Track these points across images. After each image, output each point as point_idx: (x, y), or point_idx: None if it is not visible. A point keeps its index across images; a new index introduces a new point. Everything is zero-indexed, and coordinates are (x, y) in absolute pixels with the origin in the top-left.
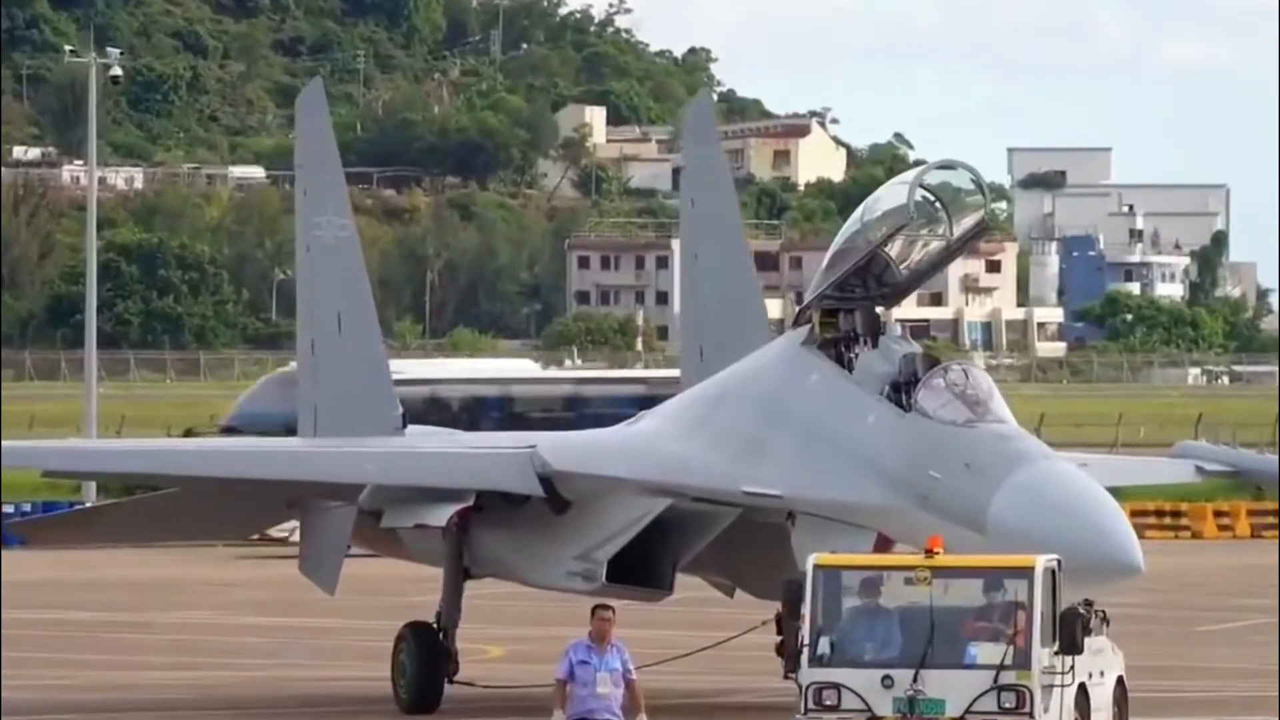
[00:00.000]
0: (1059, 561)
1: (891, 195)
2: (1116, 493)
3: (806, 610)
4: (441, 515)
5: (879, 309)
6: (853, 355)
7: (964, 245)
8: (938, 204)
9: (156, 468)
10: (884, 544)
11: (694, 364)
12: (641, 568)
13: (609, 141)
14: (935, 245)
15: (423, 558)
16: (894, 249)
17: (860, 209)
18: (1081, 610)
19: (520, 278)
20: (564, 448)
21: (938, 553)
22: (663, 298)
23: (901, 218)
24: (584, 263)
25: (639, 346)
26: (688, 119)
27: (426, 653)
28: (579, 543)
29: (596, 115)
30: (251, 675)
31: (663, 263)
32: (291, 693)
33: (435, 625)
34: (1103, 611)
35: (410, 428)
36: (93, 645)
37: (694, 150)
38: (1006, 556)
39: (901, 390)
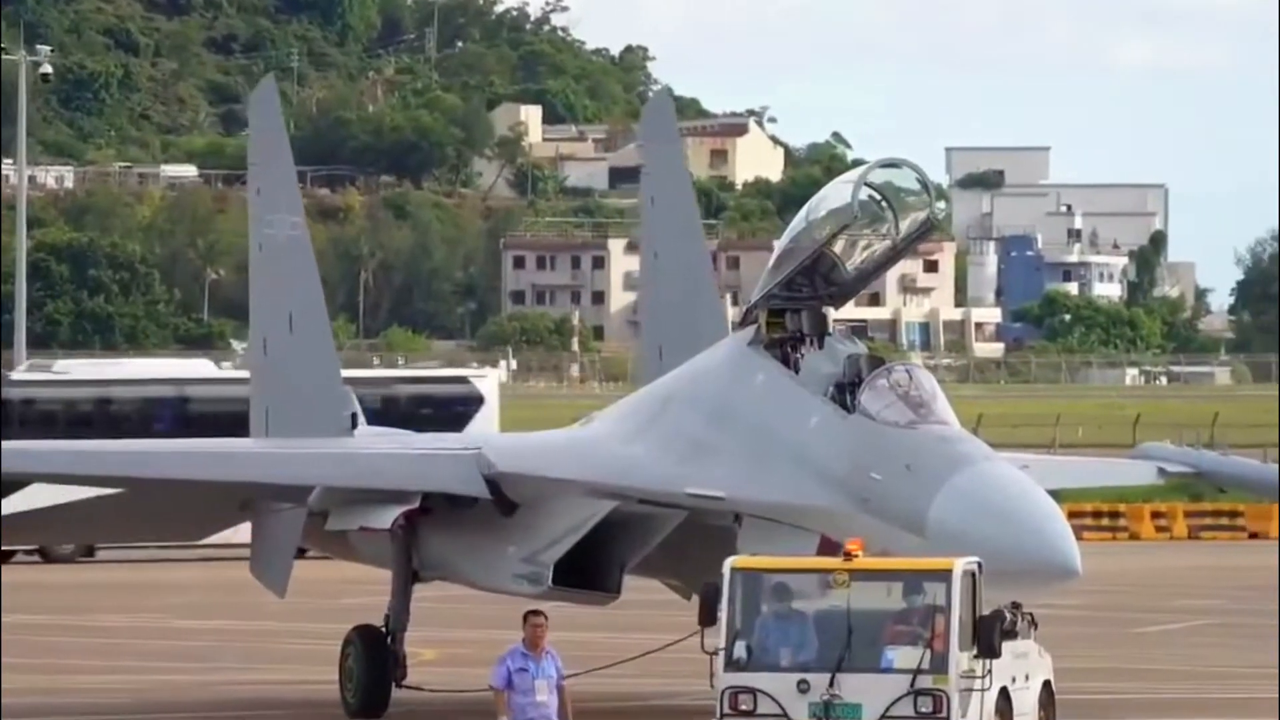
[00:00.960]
0: (979, 564)
1: (836, 194)
2: (1056, 495)
3: (723, 614)
4: (387, 517)
5: (826, 309)
6: (799, 356)
7: (909, 245)
8: (884, 203)
9: (101, 469)
10: (829, 546)
11: (653, 364)
12: (589, 571)
13: (545, 140)
14: (881, 245)
15: (372, 560)
16: (840, 248)
17: (805, 208)
18: (1006, 613)
19: (455, 277)
20: (510, 449)
21: (857, 556)
22: (599, 298)
23: (846, 217)
24: (519, 262)
25: (574, 346)
26: (646, 116)
27: (374, 657)
28: (526, 545)
29: (532, 114)
30: (189, 679)
31: (599, 263)
32: (234, 697)
33: (383, 629)
34: (1030, 614)
35: (361, 428)
36: (22, 649)
37: (653, 148)
38: (925, 559)
39: (846, 391)
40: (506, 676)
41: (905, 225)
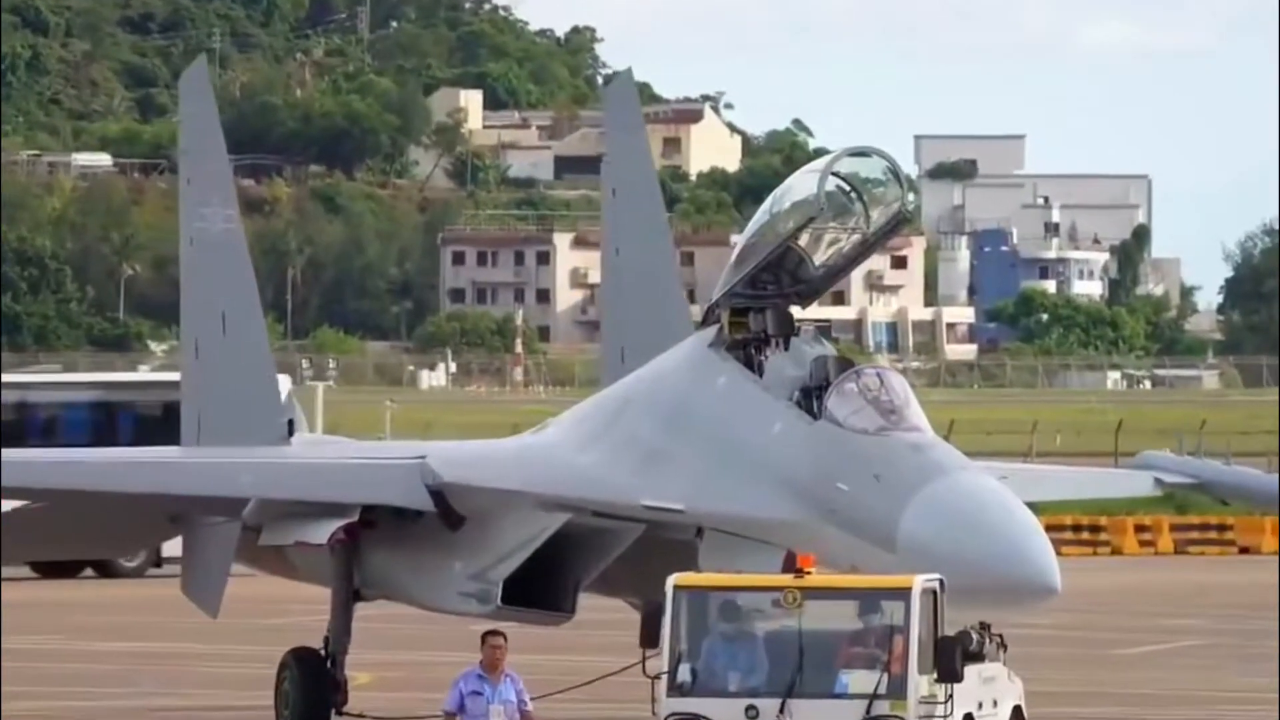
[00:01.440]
0: (941, 581)
1: (802, 185)
2: (1034, 507)
3: (666, 635)
4: (324, 532)
5: (793, 307)
6: (762, 358)
7: (881, 239)
8: (853, 194)
9: (18, 480)
10: (794, 562)
11: (615, 367)
12: (541, 589)
13: (486, 127)
14: (851, 239)
15: (311, 578)
16: (806, 243)
17: (769, 200)
18: (972, 634)
19: (390, 274)
20: (456, 458)
21: (809, 572)
22: (544, 296)
23: (812, 209)
24: (459, 258)
25: (518, 348)
26: (608, 100)
27: (313, 681)
28: (473, 562)
29: (472, 99)
30: (105, 705)
31: (544, 259)
32: None
33: (323, 652)
34: (999, 636)
35: (298, 436)
36: None
37: (616, 135)
38: (882, 577)
39: (812, 396)
40: (459, 700)
41: (876, 218)
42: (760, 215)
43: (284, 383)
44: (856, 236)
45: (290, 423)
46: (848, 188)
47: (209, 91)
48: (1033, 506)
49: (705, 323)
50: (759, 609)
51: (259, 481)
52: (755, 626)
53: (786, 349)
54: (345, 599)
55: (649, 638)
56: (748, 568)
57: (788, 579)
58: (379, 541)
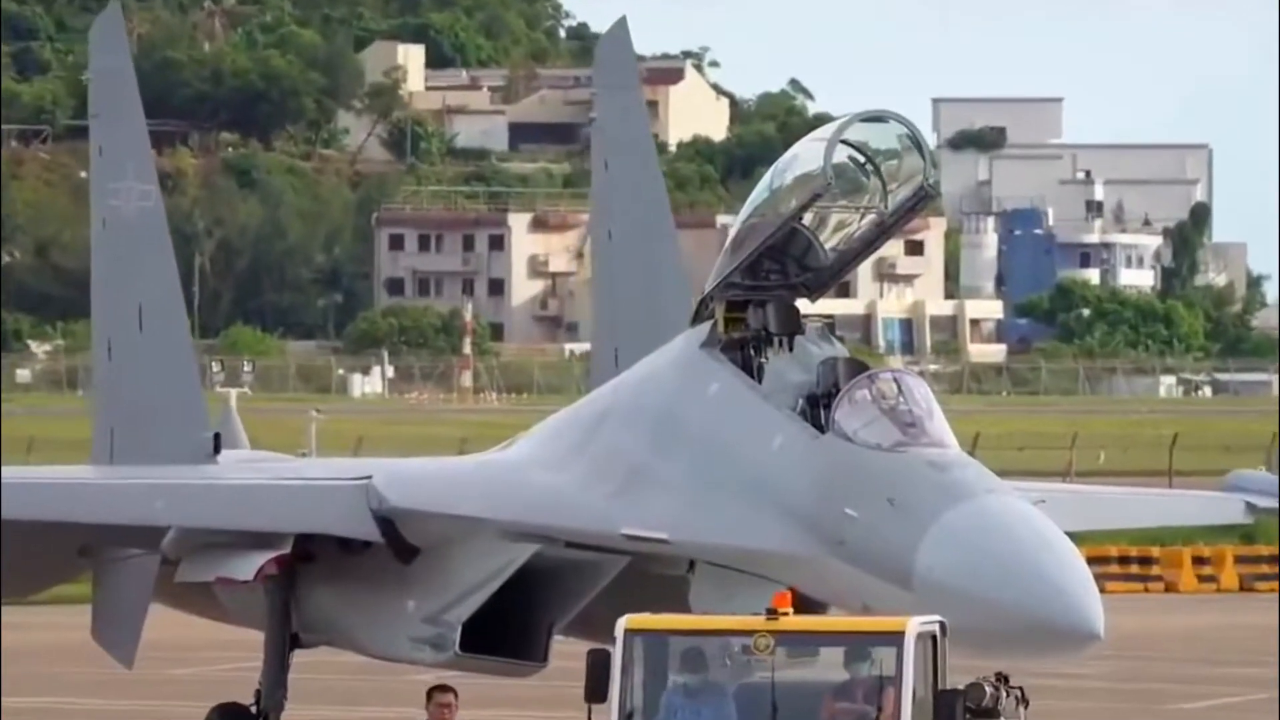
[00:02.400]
0: (942, 624)
1: (808, 155)
2: (1074, 536)
3: (615, 688)
4: (249, 566)
5: (799, 300)
6: (762, 360)
7: (900, 220)
8: (868, 166)
9: None
10: (799, 602)
11: (607, 372)
12: (507, 632)
13: (429, 89)
14: (866, 219)
15: (243, 620)
16: (814, 224)
17: (770, 173)
18: (985, 687)
19: (315, 261)
20: (407, 479)
21: (785, 613)
22: (497, 287)
23: (818, 184)
24: (397, 242)
25: (466, 349)
26: (601, 54)
27: None
28: (428, 601)
29: (412, 55)
30: None
31: (497, 243)
32: None
33: (254, 708)
34: (1019, 689)
35: (227, 453)
36: None
37: (608, 96)
38: (871, 619)
39: (819, 405)
40: None
41: (895, 194)
42: (759, 191)
43: (231, 396)
44: (872, 216)
45: (217, 437)
46: (861, 159)
47: (124, 43)
48: (1073, 536)
49: (697, 319)
50: (726, 656)
51: (174, 506)
52: (722, 677)
53: (791, 349)
54: (281, 645)
55: (594, 691)
56: (745, 606)
57: (759, 621)
58: (319, 577)
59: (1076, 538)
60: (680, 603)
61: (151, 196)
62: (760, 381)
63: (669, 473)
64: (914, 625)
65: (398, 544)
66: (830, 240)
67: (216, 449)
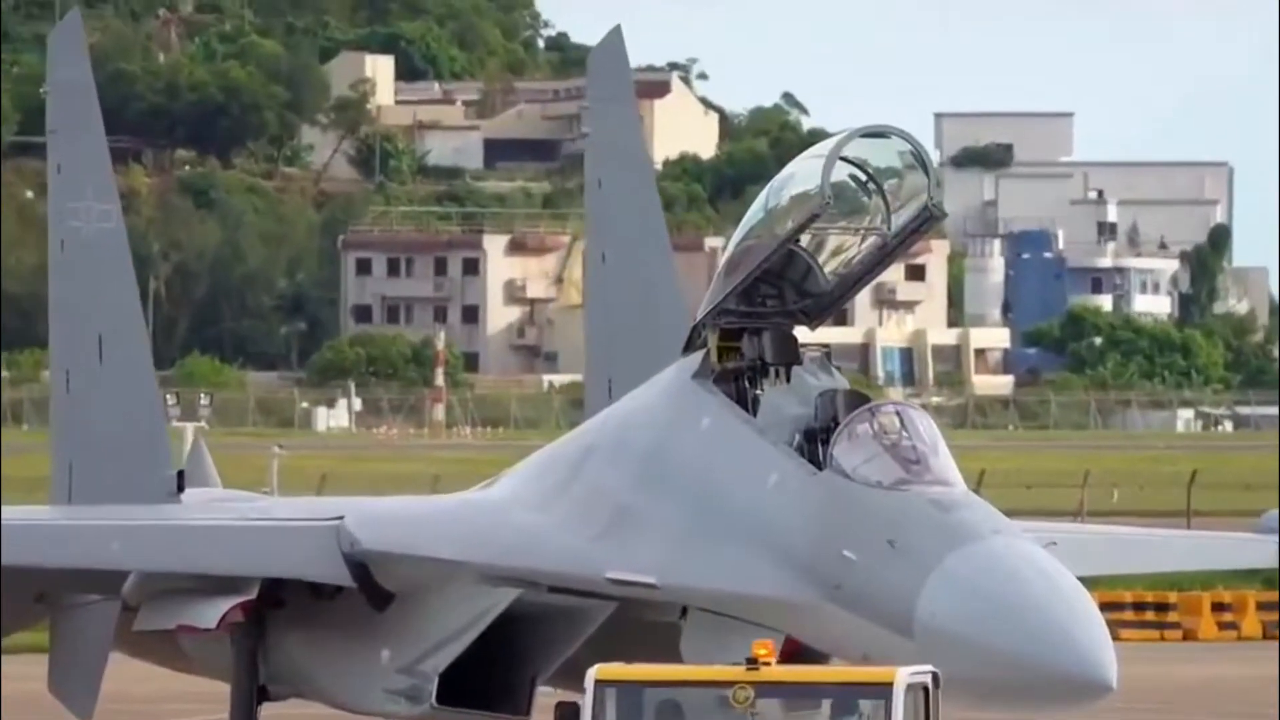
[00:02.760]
0: (934, 675)
1: (806, 173)
2: (1087, 581)
3: None
4: (212, 613)
5: (797, 328)
6: (758, 392)
7: (904, 242)
8: (870, 184)
9: None
10: (796, 651)
11: (601, 403)
12: (488, 684)
13: (399, 103)
14: (869, 242)
15: (208, 670)
16: (814, 247)
17: (765, 192)
18: None
19: (278, 287)
20: (381, 520)
21: (767, 663)
22: (471, 314)
23: (816, 204)
24: (364, 267)
25: (439, 380)
26: (594, 64)
27: None
28: (403, 650)
29: (381, 67)
30: None
31: (472, 267)
32: None
33: None
34: None
35: (192, 491)
36: None
37: (603, 109)
38: (857, 669)
39: (817, 440)
40: None
41: (898, 215)
42: (754, 212)
43: (187, 431)
44: (874, 239)
45: (180, 475)
46: (863, 177)
47: (84, 54)
48: (1087, 581)
49: (689, 348)
50: (704, 710)
51: (131, 549)
52: None
53: (789, 380)
54: (248, 698)
55: None
56: (738, 655)
57: (738, 671)
58: (289, 624)
59: (1090, 582)
60: (673, 651)
61: (112, 217)
62: (755, 415)
63: (657, 513)
64: (903, 676)
65: (371, 589)
66: (830, 264)
67: (180, 487)
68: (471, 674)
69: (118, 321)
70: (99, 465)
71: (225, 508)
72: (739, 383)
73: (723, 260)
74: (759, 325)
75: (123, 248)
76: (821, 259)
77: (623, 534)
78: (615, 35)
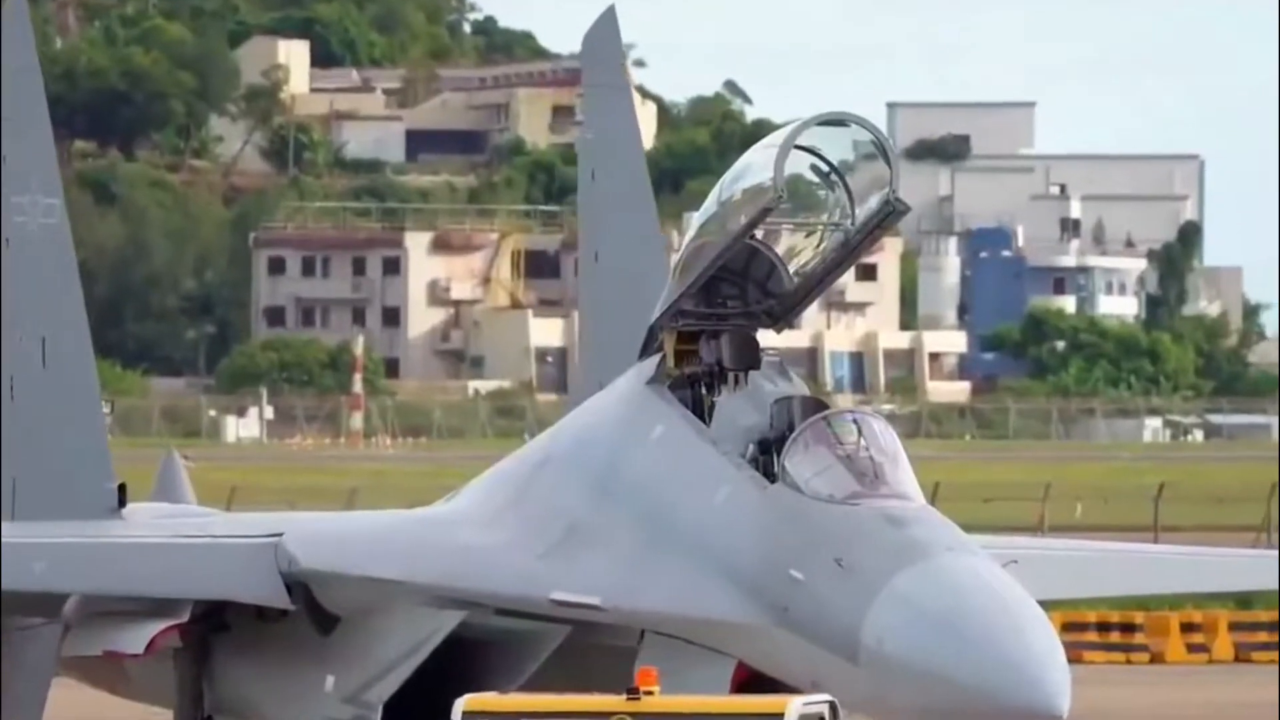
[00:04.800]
0: (831, 705)
1: (761, 164)
2: (1052, 604)
3: None
4: (141, 637)
5: (761, 330)
6: (714, 399)
7: (867, 237)
8: (831, 175)
9: None
10: (748, 677)
11: None
12: (434, 713)
13: (314, 91)
14: (832, 237)
15: (150, 697)
16: (776, 242)
17: (718, 185)
18: None
19: (184, 287)
20: (323, 538)
21: (649, 691)
22: (392, 317)
23: (768, 196)
24: (278, 266)
25: (357, 387)
26: (588, 46)
27: None
28: (348, 677)
29: (295, 53)
30: None
31: (393, 267)
32: None
33: None
34: None
35: (133, 506)
36: None
37: (598, 95)
38: (748, 699)
39: (771, 451)
40: None
41: (860, 209)
42: (707, 206)
43: (177, 460)
44: (838, 235)
45: (122, 488)
46: (824, 168)
47: (29, 36)
48: (1052, 602)
49: (645, 352)
50: None
51: (55, 570)
52: None
53: (749, 386)
54: None
55: None
56: (694, 683)
57: (617, 701)
58: (234, 649)
59: (1052, 602)
60: (625, 679)
61: (55, 212)
62: (709, 423)
63: (607, 530)
64: (795, 707)
65: (315, 612)
66: (793, 262)
67: (122, 502)
68: (416, 702)
69: (61, 323)
70: (39, 479)
71: (165, 525)
72: (695, 389)
73: (676, 258)
74: (718, 327)
75: (66, 244)
76: (784, 256)
77: (571, 552)
78: (609, 16)
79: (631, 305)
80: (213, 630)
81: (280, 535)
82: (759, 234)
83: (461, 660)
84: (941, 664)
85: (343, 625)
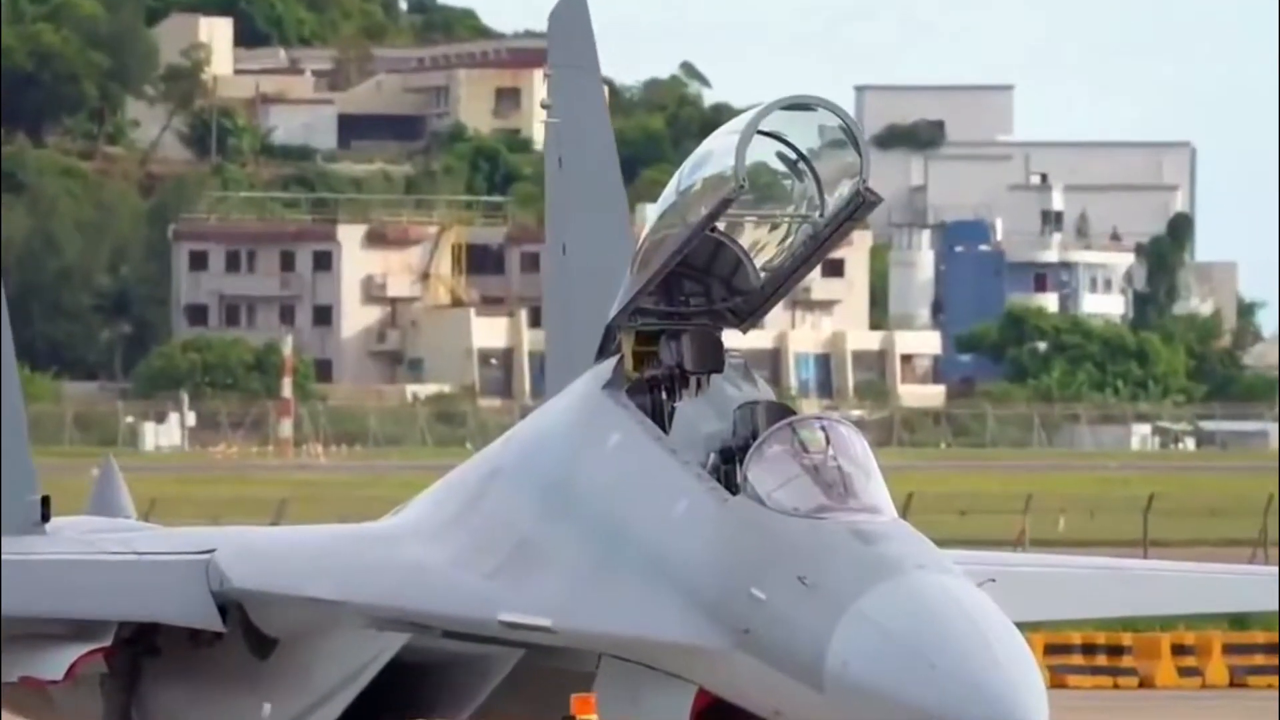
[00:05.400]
0: None
1: (724, 151)
2: (1032, 625)
3: None
4: (60, 663)
5: (727, 330)
6: (674, 405)
7: (837, 230)
8: (799, 163)
9: None
10: (710, 704)
11: None
12: None
13: (239, 73)
14: (802, 230)
15: None
16: (740, 235)
17: (677, 174)
18: None
19: (98, 284)
20: (258, 554)
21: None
22: (323, 316)
23: (731, 187)
24: (199, 261)
25: (286, 391)
26: (555, 23)
27: None
28: (286, 704)
29: (218, 31)
30: None
31: (324, 262)
32: None
33: None
34: None
35: (58, 520)
36: None
37: (567, 77)
38: None
39: (734, 460)
40: None
41: (829, 200)
42: (666, 196)
43: (114, 470)
44: (806, 227)
45: (45, 501)
46: (792, 156)
47: None
48: (1036, 624)
49: (602, 353)
50: None
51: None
52: None
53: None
54: None
55: None
56: (651, 710)
57: None
58: (165, 674)
59: (1033, 625)
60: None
61: None
62: (667, 431)
63: (558, 545)
64: None
65: (250, 634)
66: (759, 256)
67: (45, 516)
68: None
69: None
70: None
71: (91, 540)
72: (655, 394)
73: (635, 252)
74: (680, 327)
75: None
76: (750, 250)
77: (522, 570)
78: None
79: (602, 302)
80: (143, 654)
81: (212, 551)
82: (721, 226)
83: (407, 686)
84: (909, 691)
85: (280, 648)
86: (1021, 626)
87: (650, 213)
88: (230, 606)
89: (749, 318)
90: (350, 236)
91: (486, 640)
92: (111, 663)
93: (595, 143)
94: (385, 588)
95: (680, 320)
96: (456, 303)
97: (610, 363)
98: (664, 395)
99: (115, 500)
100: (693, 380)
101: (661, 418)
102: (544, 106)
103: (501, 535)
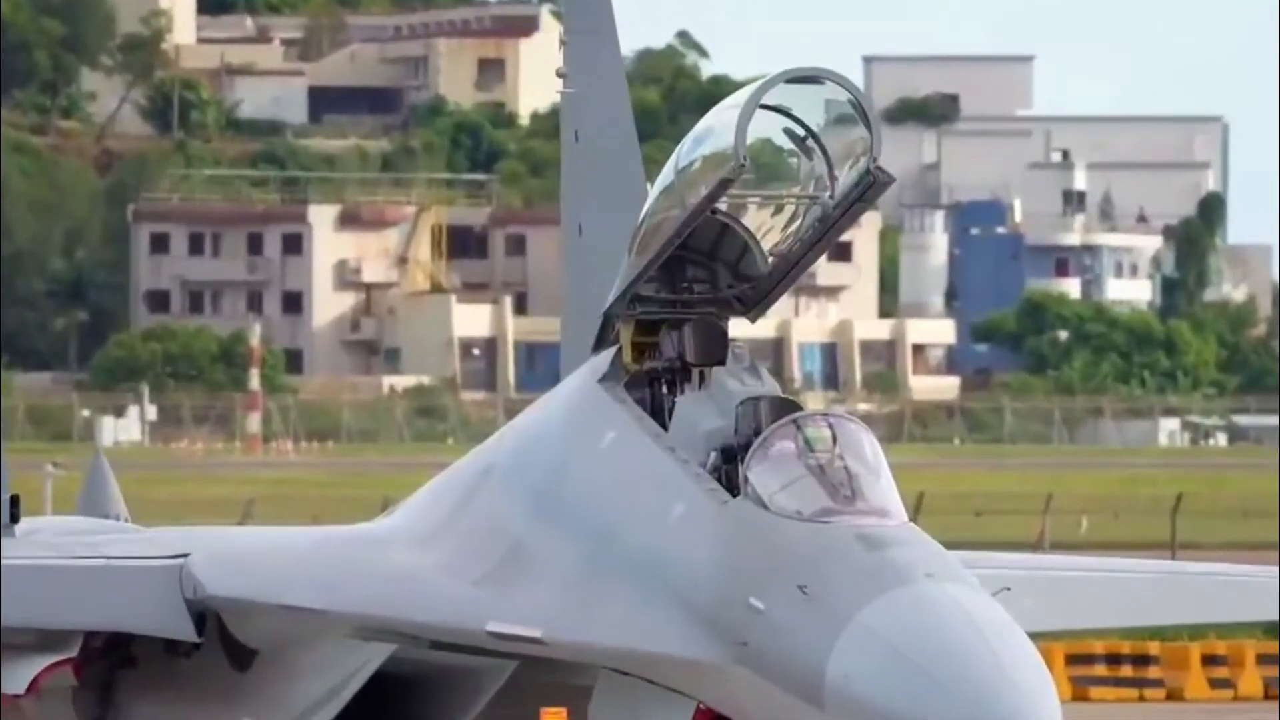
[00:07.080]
0: None
1: (725, 127)
2: (1051, 635)
3: None
4: (23, 675)
5: (733, 319)
6: (674, 399)
7: (848, 212)
8: (807, 140)
9: None
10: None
11: None
12: None
13: (202, 42)
14: (811, 212)
15: None
16: (746, 217)
17: (676, 152)
18: None
19: (52, 268)
20: (235, 559)
21: None
22: (293, 303)
23: (732, 165)
24: (160, 244)
25: (253, 383)
26: None
27: None
28: (267, 717)
29: None
30: None
31: (294, 245)
32: None
33: None
34: None
35: (27, 523)
36: None
37: (582, 45)
38: None
39: (735, 460)
40: None
41: (839, 179)
42: (664, 176)
43: (104, 466)
44: (815, 209)
45: (15, 501)
46: (800, 132)
47: None
48: (1052, 634)
49: (600, 344)
50: None
51: None
52: None
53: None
54: None
55: None
56: None
57: None
58: (141, 687)
59: (1053, 634)
60: None
61: None
62: (666, 429)
63: (551, 550)
64: None
65: (229, 645)
66: (766, 240)
67: (14, 517)
68: None
69: None
70: None
71: (60, 544)
72: (654, 387)
73: (633, 236)
74: (682, 316)
75: None
76: (756, 233)
77: (512, 576)
78: None
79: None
80: (117, 666)
81: (186, 556)
82: (723, 207)
83: (394, 699)
84: (913, 708)
85: (260, 659)
86: (1041, 636)
87: (649, 193)
88: (207, 615)
89: (756, 305)
90: (322, 218)
91: (476, 651)
92: (84, 676)
93: (614, 115)
94: (369, 595)
95: (683, 308)
96: (436, 289)
97: (607, 354)
98: (664, 389)
99: (104, 499)
100: (695, 373)
101: (661, 413)
102: (559, 76)
103: (492, 539)
